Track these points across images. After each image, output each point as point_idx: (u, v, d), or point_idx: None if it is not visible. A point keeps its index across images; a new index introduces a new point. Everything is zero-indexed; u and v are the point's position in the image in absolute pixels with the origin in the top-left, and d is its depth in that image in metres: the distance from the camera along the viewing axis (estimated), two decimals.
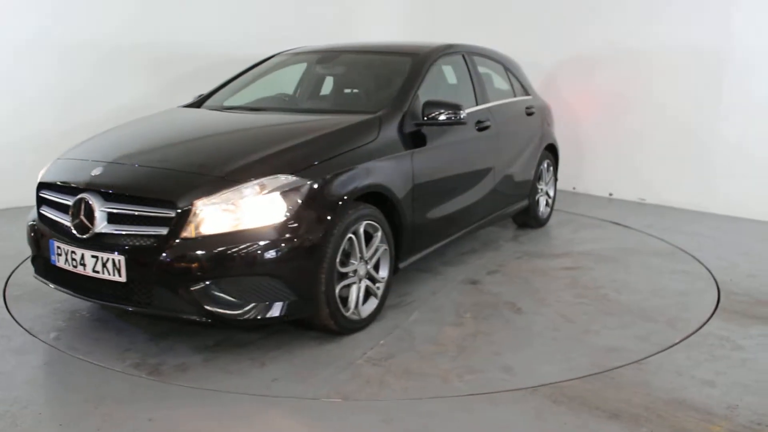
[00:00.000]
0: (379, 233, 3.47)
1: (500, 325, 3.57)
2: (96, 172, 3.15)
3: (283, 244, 2.96)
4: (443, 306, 3.83)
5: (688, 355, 3.25)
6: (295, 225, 3.00)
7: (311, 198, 3.07)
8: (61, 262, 3.14)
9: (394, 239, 3.64)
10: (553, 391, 2.84)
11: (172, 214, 2.90)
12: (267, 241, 2.93)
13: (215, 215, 2.91)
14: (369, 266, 3.43)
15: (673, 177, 6.55)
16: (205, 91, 4.57)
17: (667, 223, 5.94)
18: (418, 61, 4.23)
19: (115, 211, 3.01)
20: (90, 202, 3.04)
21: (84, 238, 3.04)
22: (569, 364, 3.11)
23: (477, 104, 4.65)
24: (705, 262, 4.77)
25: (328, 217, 3.11)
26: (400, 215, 3.63)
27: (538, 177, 5.59)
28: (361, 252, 3.36)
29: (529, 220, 5.65)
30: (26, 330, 3.37)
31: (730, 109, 6.09)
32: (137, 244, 2.93)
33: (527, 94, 5.61)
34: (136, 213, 2.97)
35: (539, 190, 5.65)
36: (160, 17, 6.52)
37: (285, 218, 2.98)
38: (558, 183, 6.15)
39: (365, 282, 3.42)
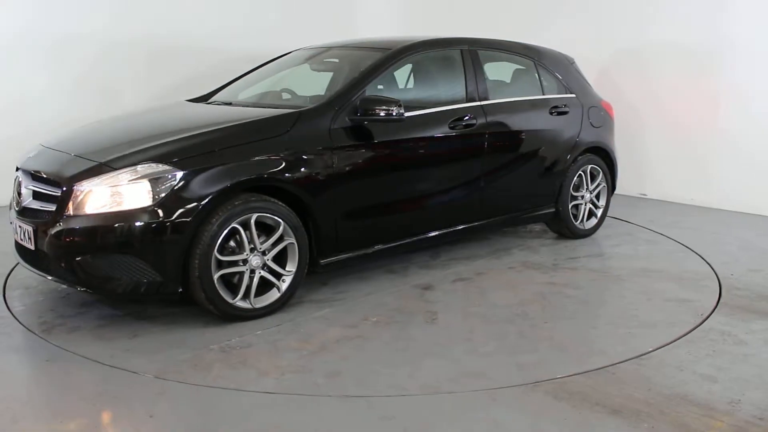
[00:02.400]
0: (282, 227, 3.52)
1: (392, 333, 3.42)
2: (31, 155, 3.66)
3: (147, 228, 3.18)
4: (361, 307, 3.75)
5: (689, 350, 3.22)
6: (162, 211, 3.20)
7: (182, 186, 3.24)
8: (12, 230, 3.71)
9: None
10: (554, 386, 2.82)
11: (59, 193, 3.28)
12: (133, 224, 3.18)
13: (91, 196, 3.22)
14: (267, 258, 3.50)
15: (674, 172, 6.48)
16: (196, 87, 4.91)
17: (668, 218, 5.82)
18: (382, 57, 4.15)
19: (35, 189, 3.49)
20: (20, 180, 3.55)
21: (18, 211, 3.56)
22: (400, 379, 2.91)
23: (466, 101, 4.41)
24: (706, 257, 4.68)
25: (201, 206, 3.25)
26: (311, 211, 3.64)
27: (575, 183, 5.08)
28: (252, 243, 3.44)
29: (562, 229, 5.17)
30: (26, 327, 3.42)
31: (730, 103, 6.04)
32: (40, 218, 3.37)
33: (568, 92, 5.12)
34: (42, 191, 3.41)
35: (576, 198, 5.13)
36: (155, 11, 6.55)
37: (151, 203, 3.20)
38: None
39: (260, 273, 3.50)
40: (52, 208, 3.31)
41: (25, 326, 3.44)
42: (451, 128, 4.25)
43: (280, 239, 3.55)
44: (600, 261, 4.70)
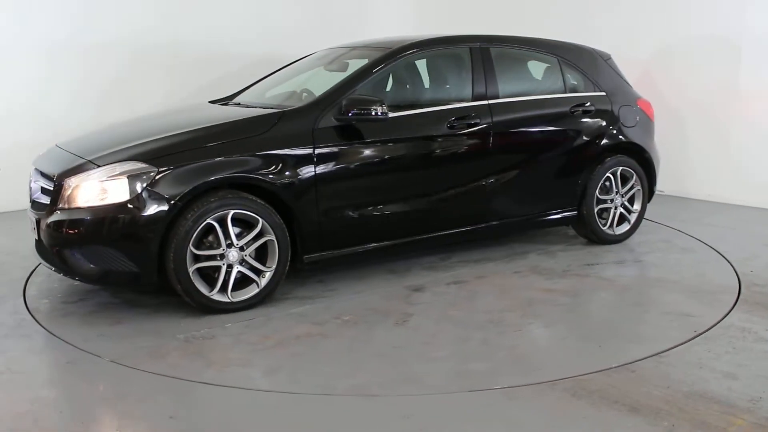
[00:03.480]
0: (260, 224, 3.61)
1: (356, 332, 3.43)
2: (42, 152, 3.97)
3: (124, 222, 3.39)
4: (340, 306, 3.77)
5: (708, 347, 3.19)
6: (137, 206, 3.39)
7: (157, 183, 3.41)
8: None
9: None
10: (573, 384, 2.83)
11: (52, 187, 3.56)
12: (111, 217, 3.40)
13: (78, 191, 3.47)
14: (245, 254, 3.61)
15: (691, 168, 6.29)
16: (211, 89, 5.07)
17: (685, 214, 5.76)
18: (377, 57, 4.15)
19: (42, 184, 3.79)
20: (32, 177, 3.88)
21: (30, 203, 3.89)
22: (333, 379, 2.92)
23: (472, 100, 4.31)
24: (725, 254, 4.64)
25: (174, 202, 3.41)
26: (291, 209, 3.70)
27: (602, 186, 4.81)
28: (229, 238, 3.56)
29: (588, 234, 4.92)
30: (46, 329, 3.46)
31: (750, 97, 5.94)
32: (41, 210, 3.67)
33: (598, 90, 4.85)
34: (45, 186, 3.71)
35: (605, 201, 4.86)
36: (182, 20, 6.69)
37: (128, 199, 3.39)
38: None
39: (238, 268, 3.61)
40: (47, 200, 3.60)
41: (29, 310, 3.73)
42: (450, 128, 4.16)
43: (261, 236, 3.64)
44: (617, 268, 4.43)
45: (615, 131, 4.85)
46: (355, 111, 3.77)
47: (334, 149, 3.82)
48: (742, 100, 5.97)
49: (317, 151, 3.76)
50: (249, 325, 3.50)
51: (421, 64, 4.49)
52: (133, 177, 3.42)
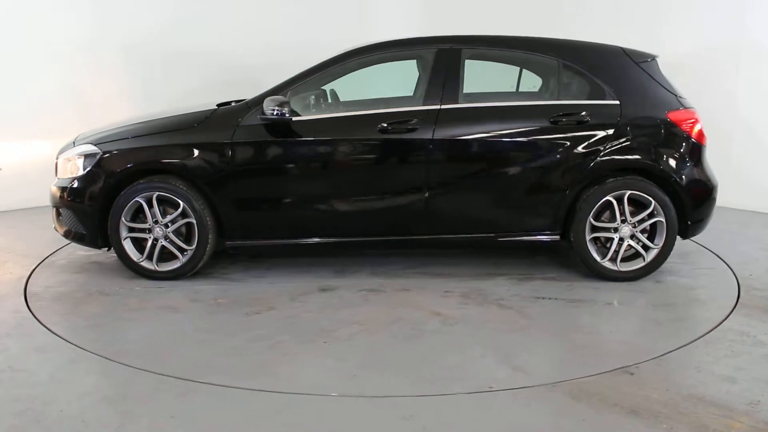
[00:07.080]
0: (181, 206, 4.13)
1: (202, 315, 3.73)
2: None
3: (76, 192, 4.24)
4: (239, 292, 4.05)
5: (707, 351, 3.24)
6: (85, 181, 4.20)
7: (99, 164, 4.18)
8: None
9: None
10: (572, 387, 2.86)
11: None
12: (71, 187, 4.27)
13: (60, 165, 4.43)
14: (168, 231, 4.17)
15: None
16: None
17: None
18: (328, 60, 4.24)
19: None
20: None
21: None
22: (122, 345, 3.31)
23: (422, 105, 4.12)
24: (724, 258, 4.66)
25: (107, 181, 4.14)
26: (208, 197, 4.12)
27: (608, 211, 4.11)
28: (154, 216, 4.16)
29: (579, 263, 4.23)
30: (48, 328, 3.50)
31: (747, 101, 6.05)
32: None
33: (612, 97, 4.10)
34: None
35: (607, 230, 4.11)
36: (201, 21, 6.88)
37: (82, 174, 4.22)
38: None
39: (163, 242, 4.18)
40: None
41: (30, 308, 3.81)
42: (381, 132, 4.06)
43: (185, 217, 4.16)
44: (558, 308, 3.78)
45: (622, 147, 4.05)
46: (267, 111, 3.99)
47: (251, 146, 4.09)
48: (742, 105, 6.02)
49: (234, 145, 4.07)
50: (147, 292, 4.05)
51: (383, 68, 4.39)
52: (86, 157, 4.24)
